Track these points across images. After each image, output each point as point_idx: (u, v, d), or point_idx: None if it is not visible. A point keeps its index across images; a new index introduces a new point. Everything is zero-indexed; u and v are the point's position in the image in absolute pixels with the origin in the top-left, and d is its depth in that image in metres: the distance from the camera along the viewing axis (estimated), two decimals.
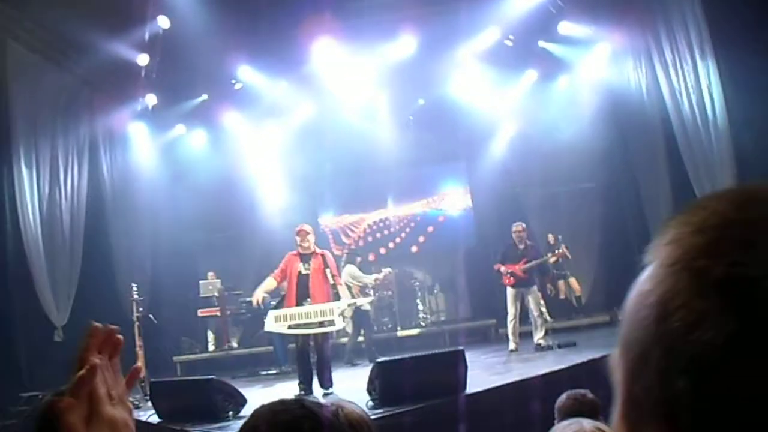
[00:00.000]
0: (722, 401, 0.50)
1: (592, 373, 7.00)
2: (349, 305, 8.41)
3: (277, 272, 8.16)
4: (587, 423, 1.90)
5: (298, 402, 1.37)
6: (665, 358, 0.52)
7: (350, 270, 11.31)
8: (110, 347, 0.97)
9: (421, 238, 14.93)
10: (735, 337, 0.50)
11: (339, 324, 7.99)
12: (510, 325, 10.09)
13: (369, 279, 11.40)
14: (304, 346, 8.02)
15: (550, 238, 12.26)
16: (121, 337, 0.98)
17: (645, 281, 0.57)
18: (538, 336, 9.89)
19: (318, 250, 8.17)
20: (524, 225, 10.38)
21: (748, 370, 0.49)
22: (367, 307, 11.36)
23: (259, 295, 8.16)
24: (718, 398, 0.50)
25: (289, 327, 7.83)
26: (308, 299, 7.90)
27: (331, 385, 7.84)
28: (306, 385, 7.91)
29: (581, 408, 3.32)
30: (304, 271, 8.00)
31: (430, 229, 15.07)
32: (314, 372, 8.01)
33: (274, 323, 7.90)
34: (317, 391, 7.84)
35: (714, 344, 0.50)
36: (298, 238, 8.08)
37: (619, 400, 0.59)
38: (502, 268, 10.03)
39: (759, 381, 0.49)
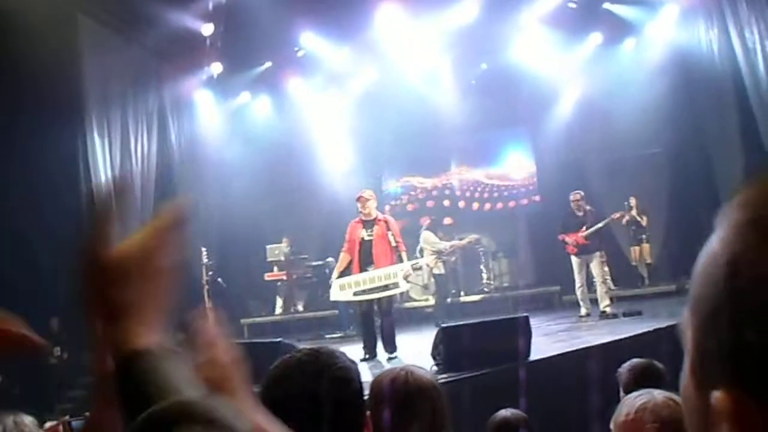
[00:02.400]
0: None
1: (656, 342, 6.94)
2: (413, 267, 8.46)
3: (345, 246, 8.25)
4: (658, 393, 1.91)
5: None
6: (736, 313, 0.55)
7: (426, 236, 11.39)
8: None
9: (486, 205, 14.93)
10: None
11: (403, 286, 8.06)
12: (579, 292, 10.07)
13: (443, 245, 11.44)
14: (368, 311, 8.11)
15: (632, 201, 12.06)
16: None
17: (715, 242, 0.59)
18: (604, 304, 9.84)
19: (380, 216, 8.22)
20: (582, 193, 10.28)
21: None
22: (440, 270, 11.43)
23: (335, 277, 8.25)
24: None
25: (355, 294, 7.93)
26: (372, 265, 7.97)
27: (395, 350, 7.92)
28: (370, 349, 8.01)
29: (645, 378, 3.31)
30: (366, 237, 8.05)
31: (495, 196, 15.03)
32: (378, 336, 8.13)
33: (339, 292, 8.01)
34: (381, 355, 7.96)
35: None
36: (359, 205, 8.16)
37: (689, 357, 0.61)
38: (567, 238, 10.01)
39: None
